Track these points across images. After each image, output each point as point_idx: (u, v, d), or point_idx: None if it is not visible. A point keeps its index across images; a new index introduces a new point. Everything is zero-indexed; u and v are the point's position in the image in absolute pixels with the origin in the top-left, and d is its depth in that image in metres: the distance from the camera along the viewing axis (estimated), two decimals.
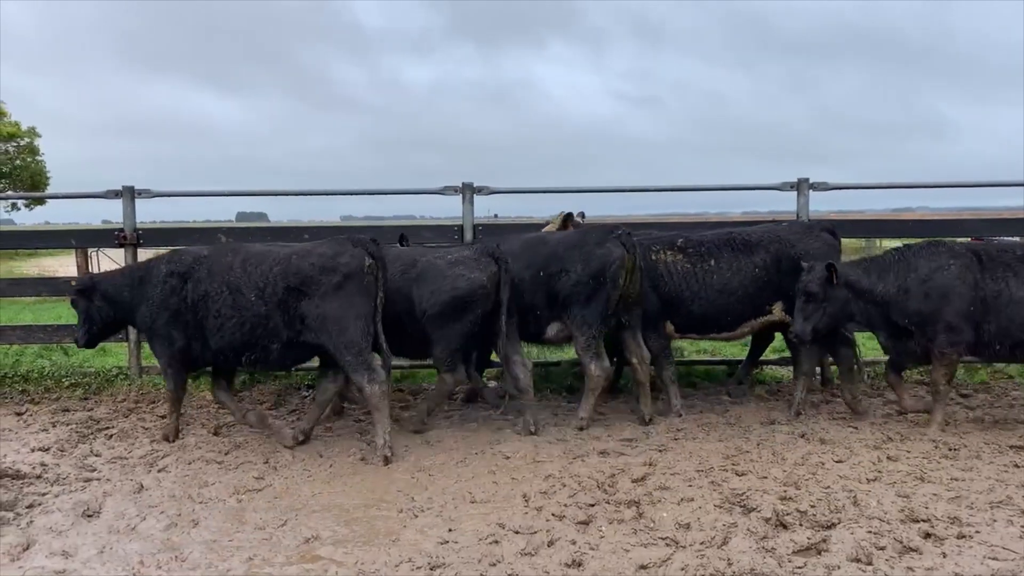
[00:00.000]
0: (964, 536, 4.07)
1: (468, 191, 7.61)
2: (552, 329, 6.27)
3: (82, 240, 8.95)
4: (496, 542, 4.10)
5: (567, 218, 7.18)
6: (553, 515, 4.41)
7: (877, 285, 5.93)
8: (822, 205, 7.74)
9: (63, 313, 12.30)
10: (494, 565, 3.83)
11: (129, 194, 7.61)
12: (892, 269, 5.95)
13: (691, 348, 8.84)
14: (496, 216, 12.98)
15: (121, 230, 7.58)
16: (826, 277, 5.89)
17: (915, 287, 5.82)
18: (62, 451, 5.65)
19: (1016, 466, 5.13)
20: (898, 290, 5.87)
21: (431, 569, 3.80)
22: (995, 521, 4.25)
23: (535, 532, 4.18)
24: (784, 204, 7.84)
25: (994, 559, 3.81)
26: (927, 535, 4.08)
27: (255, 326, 5.52)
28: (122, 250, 7.67)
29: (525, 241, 6.42)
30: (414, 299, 5.91)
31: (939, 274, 5.79)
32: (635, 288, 6.14)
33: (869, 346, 8.70)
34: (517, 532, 4.21)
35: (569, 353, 6.99)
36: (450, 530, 4.28)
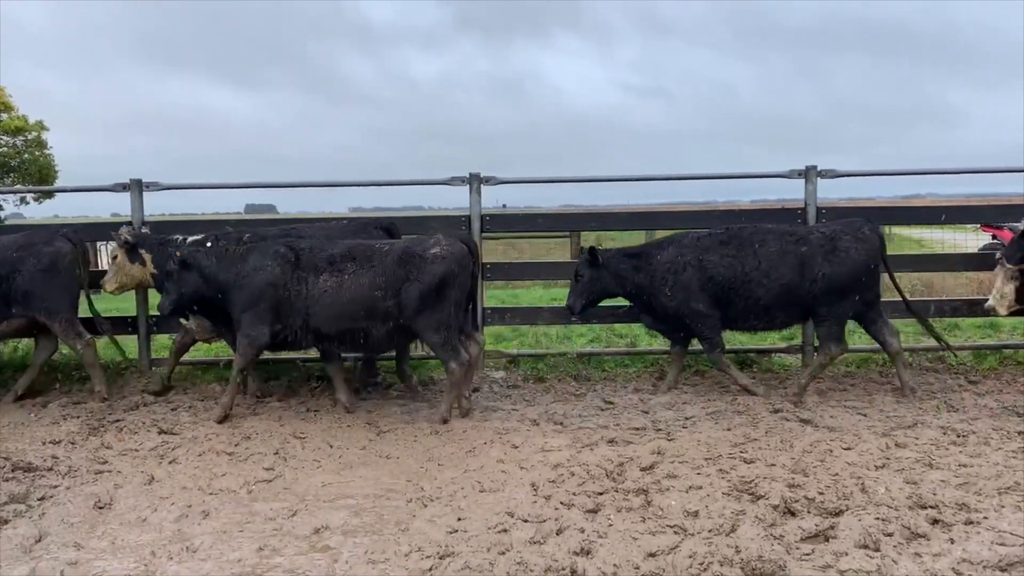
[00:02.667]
0: (972, 522, 4.07)
1: (475, 181, 7.61)
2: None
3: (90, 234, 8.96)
4: (505, 531, 4.12)
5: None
6: (562, 504, 4.43)
7: None
8: (831, 192, 7.69)
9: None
10: (503, 554, 3.85)
11: (137, 187, 7.63)
12: None
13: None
14: (504, 206, 12.98)
15: (130, 223, 7.60)
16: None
17: None
18: (73, 444, 5.69)
19: None
20: None
21: (440, 558, 3.83)
22: (1003, 507, 4.25)
23: (544, 521, 4.19)
24: (792, 192, 7.81)
25: (1002, 544, 3.81)
26: (935, 521, 4.08)
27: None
28: None
29: None
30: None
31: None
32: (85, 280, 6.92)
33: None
34: (526, 521, 4.23)
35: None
36: (459, 519, 4.30)
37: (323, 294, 6.04)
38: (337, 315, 6.04)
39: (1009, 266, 6.54)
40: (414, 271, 6.00)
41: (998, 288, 6.57)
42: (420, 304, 5.97)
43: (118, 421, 6.22)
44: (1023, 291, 6.49)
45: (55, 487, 4.87)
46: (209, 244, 6.55)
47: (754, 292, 6.54)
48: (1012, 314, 6.66)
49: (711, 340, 6.73)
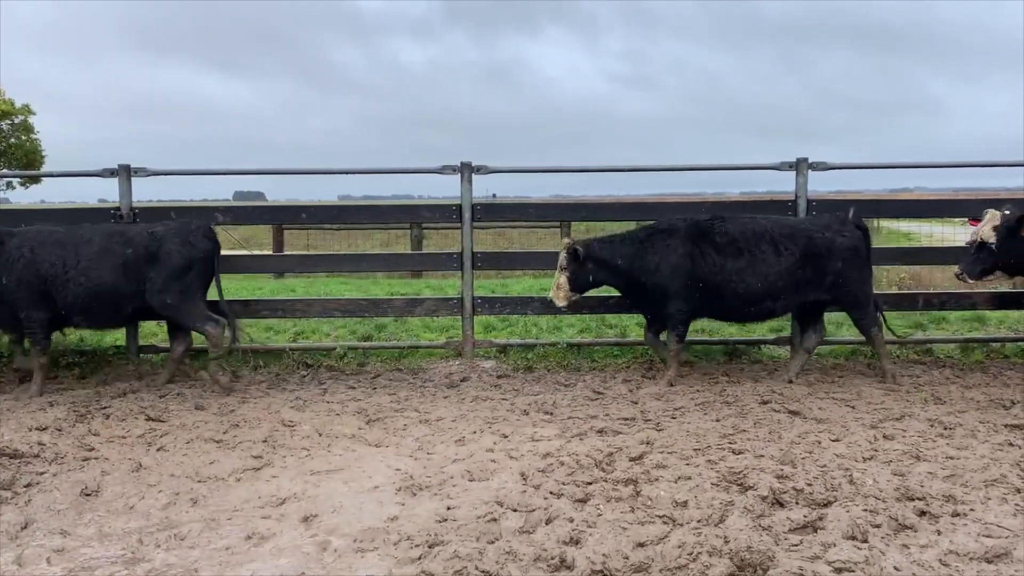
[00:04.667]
0: (959, 514, 4.09)
1: (467, 170, 7.58)
2: None
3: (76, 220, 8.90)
4: (494, 520, 4.12)
5: None
6: (551, 493, 4.43)
7: None
8: (820, 185, 7.73)
9: None
10: (492, 543, 3.85)
11: (125, 172, 7.56)
12: None
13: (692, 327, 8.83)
14: (495, 196, 12.96)
15: (118, 209, 7.54)
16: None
17: None
18: (60, 430, 5.65)
19: (1011, 445, 5.16)
20: None
21: (429, 547, 3.82)
22: (989, 499, 4.28)
23: (533, 510, 4.20)
24: (783, 184, 7.83)
25: (988, 536, 3.84)
26: (922, 513, 4.10)
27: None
28: None
29: None
30: None
31: None
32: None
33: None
34: (515, 510, 4.23)
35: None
36: (449, 508, 4.30)
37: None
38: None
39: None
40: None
41: None
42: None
43: (105, 408, 6.18)
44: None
45: (41, 474, 4.84)
46: None
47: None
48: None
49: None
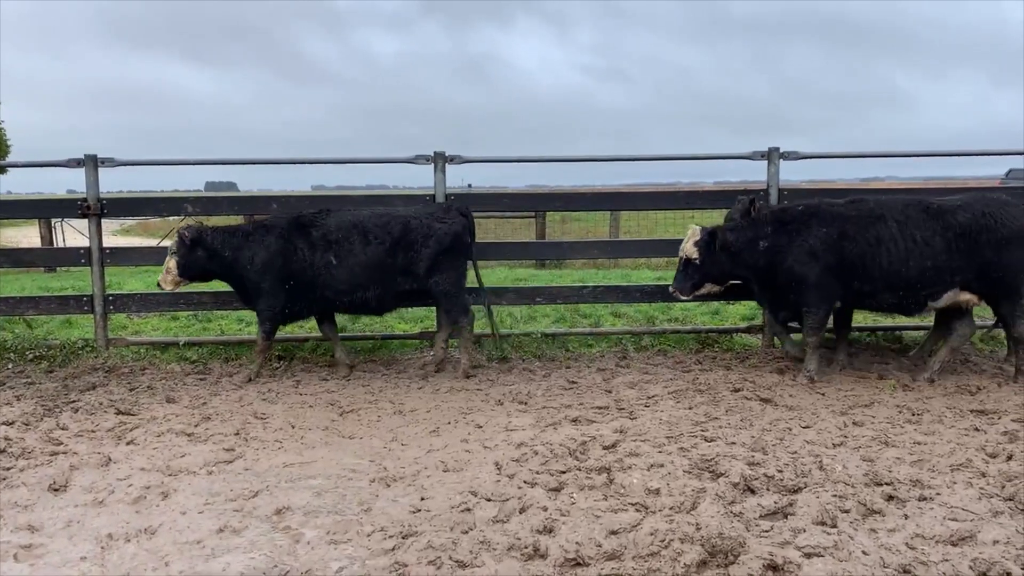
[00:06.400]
0: (925, 498, 4.17)
1: (440, 160, 7.54)
2: None
3: (43, 211, 8.75)
4: (468, 510, 4.12)
5: None
6: (525, 482, 4.44)
7: None
8: (792, 175, 7.80)
9: (26, 285, 12.11)
10: (466, 532, 3.86)
11: (92, 163, 7.44)
12: None
13: (663, 316, 8.90)
14: (470, 186, 12.91)
15: (85, 200, 7.43)
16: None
17: None
18: (27, 424, 5.56)
19: (976, 430, 5.25)
20: None
21: (403, 538, 3.82)
22: (955, 483, 4.35)
23: (507, 499, 4.20)
24: (755, 174, 7.88)
25: (954, 520, 3.91)
26: (890, 498, 4.17)
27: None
28: (86, 220, 7.53)
29: None
30: None
31: None
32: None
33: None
34: (489, 500, 4.23)
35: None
36: (422, 499, 4.30)
37: None
38: None
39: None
40: None
41: None
42: None
43: (74, 402, 6.10)
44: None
45: (8, 469, 4.76)
46: None
47: None
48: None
49: None
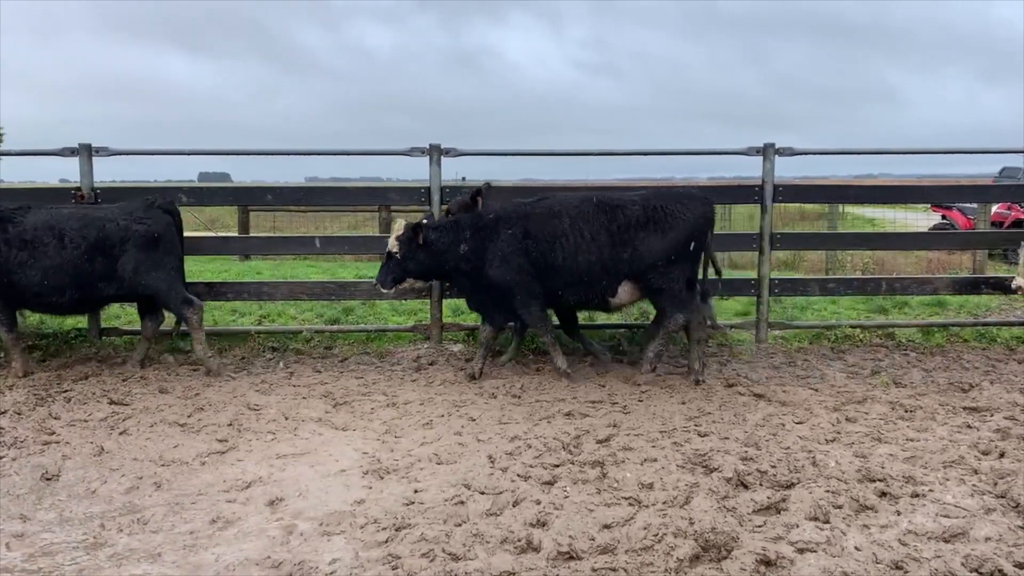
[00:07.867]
0: (918, 495, 4.18)
1: (435, 153, 7.52)
2: None
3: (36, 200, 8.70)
4: (461, 503, 4.12)
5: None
6: (518, 476, 4.44)
7: None
8: (787, 171, 7.79)
9: None
10: (459, 525, 3.86)
11: (86, 152, 7.39)
12: None
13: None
14: (464, 179, 12.88)
15: (79, 189, 7.38)
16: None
17: None
18: (19, 414, 5.54)
19: (969, 427, 5.27)
20: None
21: (396, 530, 3.82)
22: (947, 480, 4.37)
23: (500, 493, 4.21)
24: (750, 170, 7.88)
25: (946, 516, 3.93)
26: (883, 494, 4.18)
27: None
28: None
29: None
30: None
31: None
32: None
33: (831, 310, 8.85)
34: (483, 493, 4.24)
35: None
36: (416, 491, 4.30)
37: None
38: None
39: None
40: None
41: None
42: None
43: (67, 392, 6.08)
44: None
45: (0, 458, 4.75)
46: None
47: None
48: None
49: None
